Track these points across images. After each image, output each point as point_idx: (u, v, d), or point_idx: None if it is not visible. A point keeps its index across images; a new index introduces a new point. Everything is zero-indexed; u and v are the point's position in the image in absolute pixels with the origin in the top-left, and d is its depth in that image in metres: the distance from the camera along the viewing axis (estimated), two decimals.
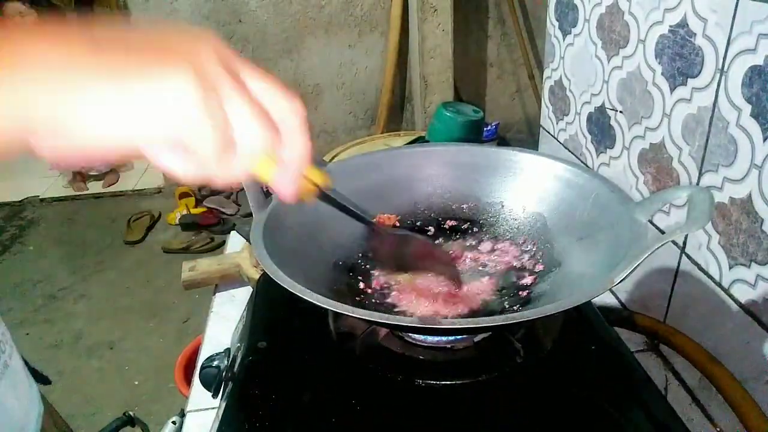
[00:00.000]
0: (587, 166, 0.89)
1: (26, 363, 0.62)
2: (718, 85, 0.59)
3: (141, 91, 0.24)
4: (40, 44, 0.23)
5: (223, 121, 0.25)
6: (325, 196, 0.39)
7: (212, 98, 0.25)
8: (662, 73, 0.68)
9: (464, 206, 0.64)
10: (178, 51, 0.25)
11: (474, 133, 1.61)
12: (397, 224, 0.62)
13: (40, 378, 0.66)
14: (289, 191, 0.30)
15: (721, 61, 0.58)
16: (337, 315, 0.56)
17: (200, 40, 0.26)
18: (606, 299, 0.83)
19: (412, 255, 0.54)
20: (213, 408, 0.56)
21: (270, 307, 0.62)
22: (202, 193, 2.49)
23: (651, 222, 0.72)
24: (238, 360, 0.56)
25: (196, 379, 0.64)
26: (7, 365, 0.53)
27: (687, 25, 0.62)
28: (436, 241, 0.62)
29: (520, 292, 0.54)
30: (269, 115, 0.27)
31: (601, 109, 0.83)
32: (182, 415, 0.67)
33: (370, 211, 0.62)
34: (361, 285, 0.57)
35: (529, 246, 0.59)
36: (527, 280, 0.56)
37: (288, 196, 0.31)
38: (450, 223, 0.64)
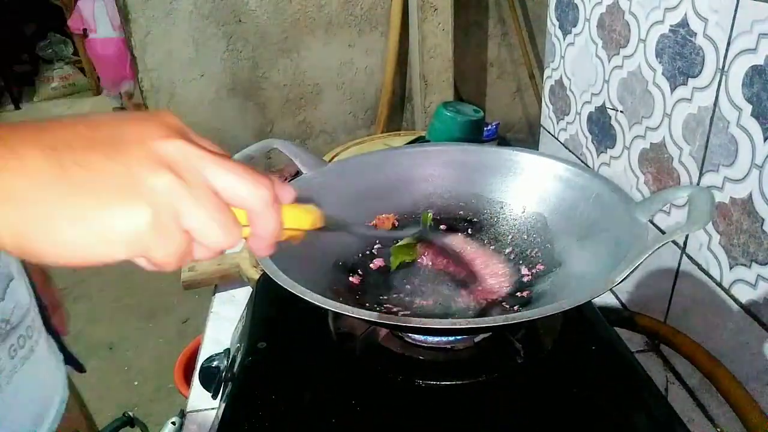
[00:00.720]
0: (588, 166, 0.89)
1: (63, 348, 0.63)
2: (719, 85, 0.59)
3: (98, 220, 0.25)
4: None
5: (180, 238, 0.26)
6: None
7: (167, 221, 0.26)
8: (663, 73, 0.68)
9: (464, 206, 0.64)
10: (125, 167, 0.25)
11: (474, 133, 1.61)
12: (396, 223, 0.62)
13: (75, 365, 0.67)
14: (264, 254, 0.32)
15: (721, 60, 0.58)
16: (337, 315, 0.56)
17: (151, 133, 0.27)
18: (606, 299, 0.82)
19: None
20: (213, 408, 0.56)
21: (270, 307, 0.62)
22: None
23: (651, 222, 0.72)
24: (238, 360, 0.56)
25: (196, 380, 0.64)
26: (33, 350, 0.54)
27: (687, 24, 0.62)
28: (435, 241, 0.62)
29: (520, 292, 0.54)
30: (229, 213, 0.28)
31: (601, 109, 0.83)
32: (182, 415, 0.67)
33: (368, 214, 0.62)
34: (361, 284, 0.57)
35: (529, 249, 0.59)
36: (527, 280, 0.56)
37: (261, 255, 0.32)
38: (450, 223, 0.64)
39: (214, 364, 0.60)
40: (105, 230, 0.25)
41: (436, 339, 0.52)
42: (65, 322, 0.77)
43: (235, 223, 0.28)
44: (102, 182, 0.25)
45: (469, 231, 0.63)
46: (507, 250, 0.60)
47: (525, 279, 0.56)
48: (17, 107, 3.84)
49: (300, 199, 0.33)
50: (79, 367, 0.70)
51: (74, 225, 0.24)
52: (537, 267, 0.57)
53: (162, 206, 0.26)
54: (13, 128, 0.25)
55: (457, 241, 0.59)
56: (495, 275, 0.55)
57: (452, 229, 0.63)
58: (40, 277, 0.76)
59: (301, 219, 0.34)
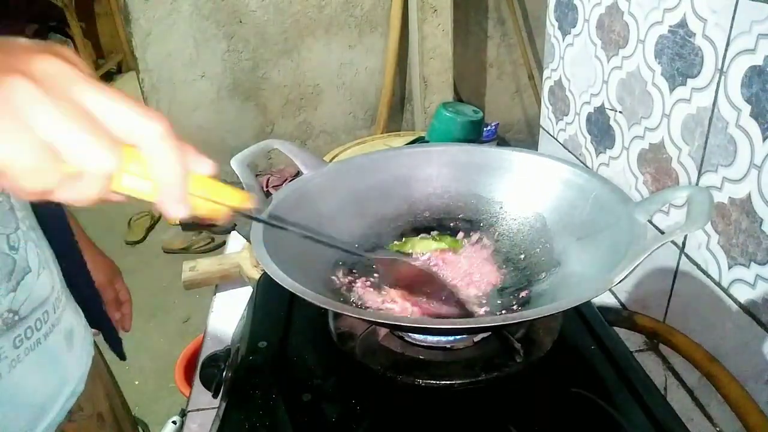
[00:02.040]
0: (587, 166, 0.89)
1: (111, 334, 0.64)
2: (718, 86, 0.59)
3: None
4: None
5: (31, 145, 0.24)
6: (250, 217, 0.36)
7: (12, 123, 0.23)
8: (662, 74, 0.68)
9: (464, 206, 0.64)
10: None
11: (474, 134, 1.61)
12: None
13: (117, 351, 0.69)
14: (173, 210, 0.28)
15: (720, 61, 0.58)
16: (337, 315, 0.56)
17: (31, 55, 0.25)
18: (605, 299, 0.83)
19: (406, 281, 0.52)
20: (213, 408, 0.56)
21: (270, 307, 0.62)
22: None
23: (650, 222, 0.72)
24: (239, 359, 0.56)
25: (196, 379, 0.64)
26: (40, 342, 0.54)
27: (686, 25, 0.62)
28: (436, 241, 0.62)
29: (520, 292, 0.55)
30: (101, 129, 0.25)
31: (600, 110, 0.83)
32: (183, 414, 0.67)
33: (368, 214, 0.62)
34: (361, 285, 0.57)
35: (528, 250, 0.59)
36: (527, 280, 0.56)
37: (174, 214, 0.28)
38: (449, 223, 0.64)
39: (215, 363, 0.60)
40: None
41: (436, 339, 0.52)
42: (130, 318, 0.78)
43: (111, 142, 0.25)
44: None
45: (469, 231, 0.63)
46: (505, 250, 0.60)
47: (523, 291, 0.56)
48: None
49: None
50: (120, 354, 0.75)
51: None
52: (536, 268, 0.57)
53: (9, 108, 0.23)
54: None
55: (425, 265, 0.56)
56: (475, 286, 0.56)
57: (452, 229, 0.63)
58: (107, 275, 0.77)
59: (227, 194, 0.31)
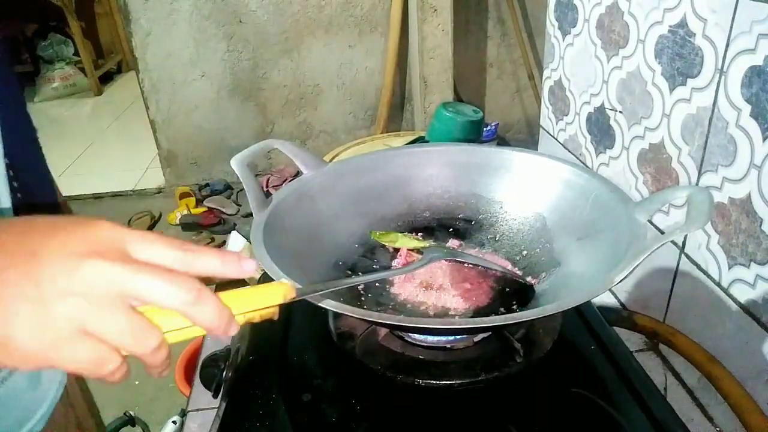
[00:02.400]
0: (587, 166, 0.89)
1: None
2: (718, 85, 0.59)
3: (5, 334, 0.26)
4: None
5: (87, 346, 0.28)
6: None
7: (69, 336, 0.27)
8: (662, 73, 0.68)
9: (464, 206, 0.64)
10: (43, 282, 0.27)
11: (474, 134, 1.61)
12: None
13: None
14: (224, 339, 0.33)
15: (720, 61, 0.58)
16: (337, 315, 0.56)
17: (74, 249, 0.28)
18: (605, 299, 0.83)
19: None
20: (213, 408, 0.56)
21: None
22: (203, 193, 2.49)
23: (650, 222, 0.72)
24: (238, 360, 0.56)
25: (196, 379, 0.64)
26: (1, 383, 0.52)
27: (687, 25, 0.62)
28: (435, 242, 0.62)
29: (520, 292, 0.55)
30: (138, 319, 0.29)
31: (600, 110, 0.83)
32: (183, 414, 0.67)
33: (368, 214, 0.62)
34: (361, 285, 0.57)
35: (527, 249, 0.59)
36: (527, 280, 0.56)
37: (227, 337, 0.33)
38: (449, 223, 0.64)
39: (215, 363, 0.60)
40: (10, 344, 0.26)
41: (436, 339, 0.52)
42: None
43: (147, 327, 0.29)
44: (12, 300, 0.26)
45: (469, 231, 0.63)
46: (505, 250, 0.60)
47: (524, 279, 0.56)
48: None
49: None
50: None
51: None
52: (536, 267, 0.57)
53: (64, 326, 0.27)
54: None
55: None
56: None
57: (452, 229, 0.63)
58: None
59: (269, 296, 0.33)
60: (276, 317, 0.34)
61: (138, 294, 0.28)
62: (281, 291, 0.34)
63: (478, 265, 0.55)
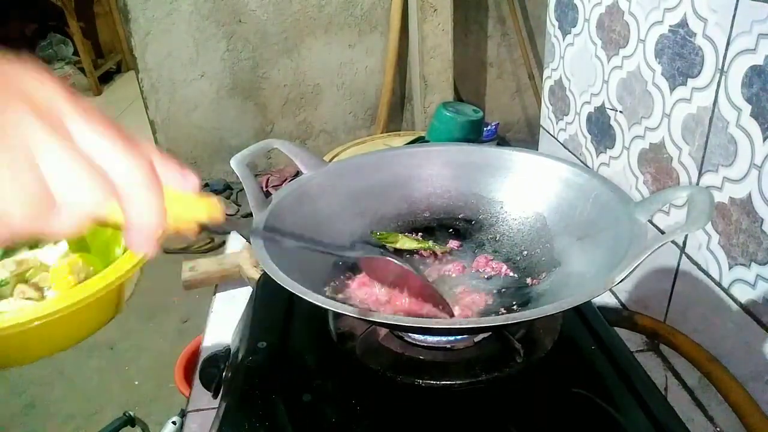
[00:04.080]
0: (587, 166, 0.89)
1: None
2: (718, 85, 0.59)
3: None
4: None
5: (34, 185, 0.23)
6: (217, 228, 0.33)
7: (21, 161, 0.23)
8: (662, 73, 0.68)
9: (464, 206, 0.64)
10: None
11: (474, 133, 1.61)
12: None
13: None
14: (143, 249, 0.28)
15: (721, 61, 0.58)
16: (337, 315, 0.56)
17: (32, 89, 0.24)
18: (606, 299, 0.83)
19: (392, 281, 0.51)
20: (213, 408, 0.56)
21: (270, 307, 0.62)
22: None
23: (651, 222, 0.72)
24: (239, 360, 0.56)
25: (196, 379, 0.64)
26: None
27: (687, 24, 0.62)
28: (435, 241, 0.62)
29: (520, 292, 0.54)
30: (100, 172, 0.25)
31: (600, 109, 0.83)
32: (182, 415, 0.67)
33: (367, 214, 0.62)
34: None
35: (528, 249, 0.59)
36: (527, 280, 0.56)
37: (144, 252, 0.28)
38: (449, 223, 0.64)
39: (215, 363, 0.60)
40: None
41: (436, 339, 0.52)
42: None
43: (103, 181, 0.25)
44: None
45: (469, 231, 0.63)
46: (506, 250, 0.60)
47: (524, 279, 0.56)
48: None
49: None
50: None
51: None
52: (537, 267, 0.57)
53: (19, 144, 0.23)
54: None
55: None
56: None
57: (452, 229, 0.63)
58: None
59: (195, 209, 0.29)
60: (194, 236, 0.31)
61: (88, 139, 0.25)
62: (207, 209, 0.30)
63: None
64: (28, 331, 0.42)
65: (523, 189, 0.61)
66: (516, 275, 0.57)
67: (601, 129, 0.84)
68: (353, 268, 0.58)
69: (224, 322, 0.82)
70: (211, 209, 0.30)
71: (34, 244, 0.42)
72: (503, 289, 0.56)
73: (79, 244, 0.41)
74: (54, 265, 0.39)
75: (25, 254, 0.41)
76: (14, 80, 0.24)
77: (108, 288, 0.35)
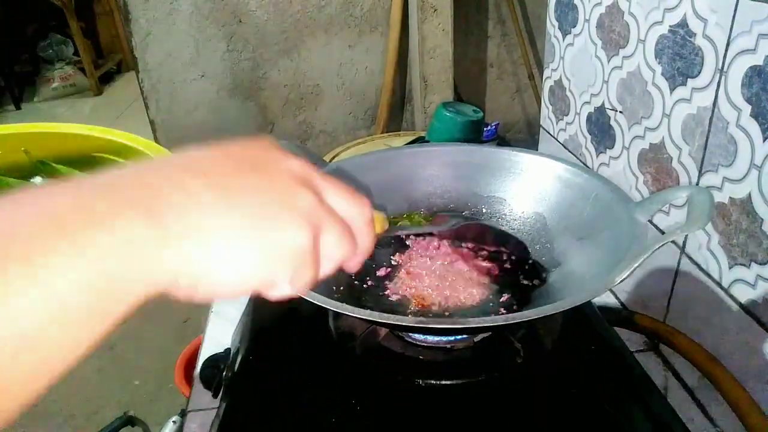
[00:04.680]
0: (587, 166, 0.89)
1: None
2: (718, 85, 0.59)
3: (264, 240, 0.26)
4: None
5: (320, 251, 0.28)
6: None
7: (317, 237, 0.27)
8: (662, 73, 0.68)
9: (464, 206, 0.64)
10: (278, 189, 0.27)
11: (474, 133, 1.61)
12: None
13: None
14: (354, 270, 0.33)
15: (721, 61, 0.58)
16: (337, 315, 0.56)
17: (292, 166, 0.29)
18: (606, 299, 0.83)
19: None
20: (213, 408, 0.56)
21: (270, 307, 0.62)
22: None
23: (651, 222, 0.72)
24: (239, 360, 0.56)
25: (196, 379, 0.64)
26: None
27: (687, 25, 0.62)
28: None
29: (521, 292, 0.54)
30: (349, 228, 0.30)
31: (600, 110, 0.83)
32: (182, 415, 0.67)
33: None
34: (362, 285, 0.57)
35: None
36: (527, 280, 0.56)
37: (352, 270, 0.33)
38: None
39: (215, 363, 0.60)
40: (277, 252, 0.26)
41: (436, 338, 0.52)
42: None
43: (352, 237, 0.30)
44: (264, 204, 0.26)
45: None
46: (506, 251, 0.60)
47: (525, 279, 0.56)
48: (18, 107, 3.84)
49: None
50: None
51: (252, 253, 0.25)
52: (540, 276, 0.57)
53: (313, 225, 0.27)
54: (159, 164, 0.25)
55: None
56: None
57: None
58: None
59: (377, 226, 0.35)
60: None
61: (334, 200, 0.29)
62: (380, 220, 0.35)
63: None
64: None
65: (523, 189, 0.62)
66: (516, 275, 0.57)
67: (601, 129, 0.84)
68: None
69: (224, 322, 0.82)
70: (381, 223, 0.36)
71: None
72: (504, 289, 0.56)
73: None
74: None
75: None
76: (285, 166, 0.29)
77: None
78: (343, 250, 0.29)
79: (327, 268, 0.29)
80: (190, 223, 0.23)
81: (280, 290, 0.28)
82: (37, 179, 0.43)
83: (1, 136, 0.42)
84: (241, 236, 0.24)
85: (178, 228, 0.22)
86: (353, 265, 0.32)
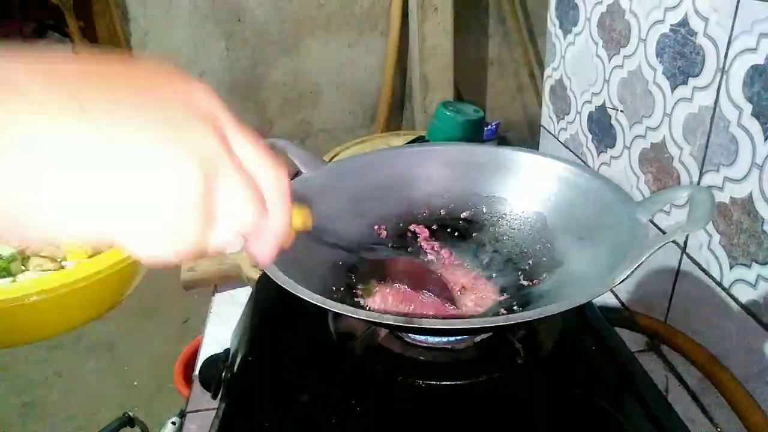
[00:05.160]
0: (588, 165, 0.89)
1: None
2: (719, 85, 0.59)
3: (127, 174, 0.20)
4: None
5: (214, 206, 0.23)
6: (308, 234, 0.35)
7: (211, 186, 0.22)
8: (663, 73, 0.68)
9: (464, 206, 0.64)
10: (175, 119, 0.21)
11: (474, 133, 1.60)
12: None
13: None
14: (265, 258, 0.28)
15: (722, 60, 0.58)
16: (337, 315, 0.55)
17: (194, 98, 0.23)
18: (607, 299, 0.82)
19: (406, 276, 0.54)
20: (213, 408, 0.56)
21: (269, 307, 0.62)
22: None
23: (652, 222, 0.72)
24: (238, 360, 0.56)
25: (195, 380, 0.64)
26: None
27: (688, 24, 0.62)
28: (435, 243, 0.62)
29: (521, 292, 0.54)
30: (258, 188, 0.25)
31: (601, 109, 0.83)
32: (182, 415, 0.67)
33: (367, 214, 0.62)
34: (362, 285, 0.57)
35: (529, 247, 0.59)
36: (528, 280, 0.56)
37: (263, 261, 0.28)
38: (450, 223, 0.64)
39: (214, 364, 0.60)
40: (144, 192, 0.20)
41: (436, 339, 0.52)
42: None
43: (262, 201, 0.25)
44: (140, 127, 0.20)
45: (469, 231, 0.62)
46: (506, 250, 0.60)
47: (525, 279, 0.56)
48: None
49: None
50: None
51: (106, 185, 0.19)
52: (537, 267, 0.56)
53: (206, 167, 0.21)
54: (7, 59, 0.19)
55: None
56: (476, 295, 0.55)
57: (452, 229, 0.63)
58: None
59: (296, 219, 0.31)
60: (289, 244, 0.30)
61: (247, 158, 0.24)
62: (303, 217, 0.32)
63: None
64: (51, 300, 0.41)
65: (523, 189, 0.61)
66: (516, 275, 0.57)
67: (601, 128, 0.84)
68: (352, 269, 0.58)
69: (224, 323, 0.82)
70: (305, 218, 0.32)
71: None
72: (504, 289, 0.55)
73: None
74: None
75: None
76: (185, 95, 0.23)
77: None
78: (246, 213, 0.23)
79: (225, 235, 0.24)
80: (26, 139, 0.18)
81: (151, 249, 0.22)
82: None
83: None
84: (93, 164, 0.19)
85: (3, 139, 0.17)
86: (263, 248, 0.26)
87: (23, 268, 0.38)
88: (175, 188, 0.21)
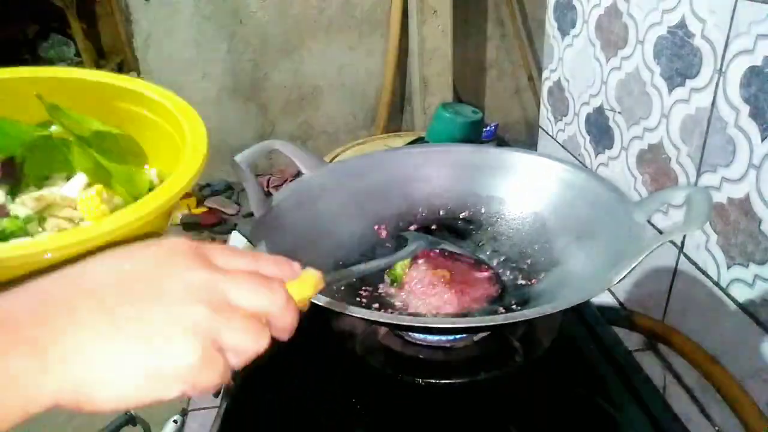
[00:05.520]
0: (586, 166, 0.89)
1: None
2: (717, 86, 0.59)
3: (154, 364, 0.26)
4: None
5: (222, 361, 0.28)
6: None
7: (211, 350, 0.27)
8: (661, 74, 0.68)
9: (463, 206, 0.65)
10: (166, 305, 0.27)
11: (473, 134, 1.61)
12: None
13: None
14: (287, 337, 0.33)
15: (719, 61, 0.58)
16: (337, 315, 0.56)
17: (177, 267, 0.29)
18: (605, 299, 0.83)
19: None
20: (214, 407, 0.56)
21: None
22: (203, 193, 2.49)
23: (649, 222, 0.72)
24: None
25: None
26: None
27: (685, 26, 0.63)
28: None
29: (520, 292, 0.55)
30: (256, 322, 0.30)
31: (599, 110, 0.84)
32: (183, 414, 0.67)
33: (368, 215, 0.63)
34: (362, 285, 0.57)
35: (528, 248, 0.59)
36: (526, 279, 0.56)
37: (283, 339, 0.34)
38: (449, 223, 0.64)
39: None
40: (161, 373, 0.26)
41: (436, 338, 0.53)
42: None
43: (263, 329, 0.30)
44: (149, 322, 0.26)
45: (469, 231, 0.63)
46: (505, 250, 0.60)
47: (524, 279, 0.56)
48: None
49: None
50: None
51: (135, 373, 0.26)
52: (536, 267, 0.57)
53: (205, 338, 0.27)
54: (53, 282, 0.27)
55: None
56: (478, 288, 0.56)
57: (452, 229, 0.64)
58: None
59: (305, 289, 0.34)
60: (305, 309, 0.35)
61: (243, 300, 0.30)
62: (312, 282, 0.35)
63: (460, 255, 0.58)
64: (67, 258, 0.41)
65: (522, 189, 0.62)
66: (515, 275, 0.57)
67: (599, 129, 0.84)
68: None
69: None
70: (315, 282, 0.35)
71: (43, 179, 0.43)
72: (503, 289, 0.56)
73: (98, 175, 0.42)
74: (81, 197, 0.39)
75: (42, 190, 0.41)
76: (174, 279, 0.28)
77: (158, 211, 0.34)
78: (252, 344, 0.29)
79: (241, 360, 0.30)
80: (71, 347, 0.25)
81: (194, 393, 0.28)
82: (53, 128, 0.42)
83: (15, 80, 0.41)
84: (122, 356, 0.25)
85: (58, 353, 0.24)
86: (282, 334, 0.33)
87: (40, 229, 0.38)
88: (182, 362, 0.27)
